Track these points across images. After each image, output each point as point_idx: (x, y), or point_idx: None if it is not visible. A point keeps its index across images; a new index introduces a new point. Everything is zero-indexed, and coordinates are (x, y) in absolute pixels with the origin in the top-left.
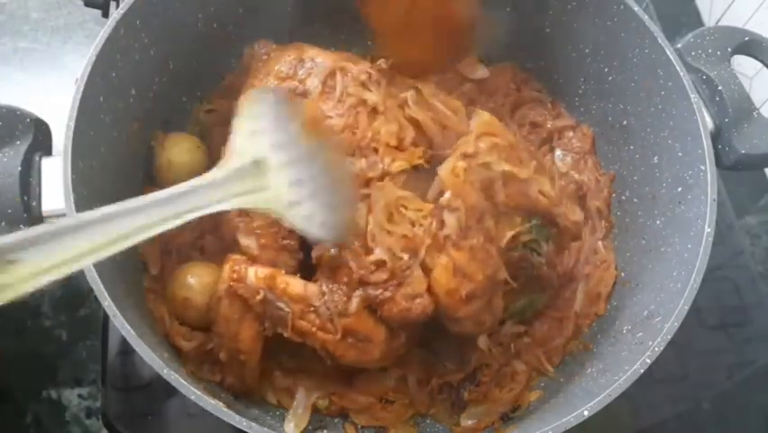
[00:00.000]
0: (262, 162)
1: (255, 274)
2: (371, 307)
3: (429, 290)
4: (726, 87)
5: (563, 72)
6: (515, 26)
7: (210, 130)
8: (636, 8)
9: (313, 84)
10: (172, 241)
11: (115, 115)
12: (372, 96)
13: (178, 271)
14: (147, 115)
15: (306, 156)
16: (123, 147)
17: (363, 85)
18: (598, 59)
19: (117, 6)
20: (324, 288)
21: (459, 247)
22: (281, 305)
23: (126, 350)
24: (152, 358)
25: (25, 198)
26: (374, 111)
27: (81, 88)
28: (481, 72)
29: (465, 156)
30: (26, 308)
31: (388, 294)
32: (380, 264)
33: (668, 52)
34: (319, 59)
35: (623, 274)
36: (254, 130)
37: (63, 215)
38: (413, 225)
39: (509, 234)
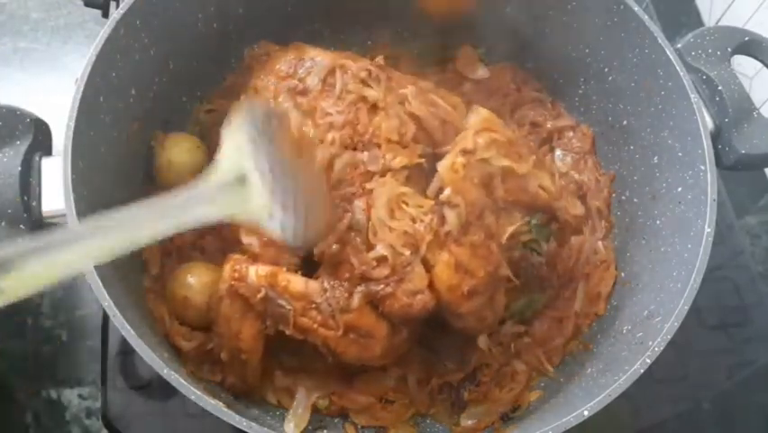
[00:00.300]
0: (246, 177)
1: (256, 273)
2: (373, 303)
3: (430, 286)
4: (726, 87)
5: (563, 72)
6: (515, 26)
7: (210, 130)
8: (636, 8)
9: (313, 82)
10: (172, 241)
11: (115, 115)
12: (372, 93)
13: (178, 270)
14: (147, 115)
15: (288, 172)
16: (123, 147)
17: (363, 82)
18: (598, 59)
19: (117, 6)
20: (326, 284)
21: (460, 243)
22: (283, 303)
23: (126, 350)
24: (152, 358)
25: (25, 198)
26: (374, 107)
27: (81, 88)
28: (481, 72)
29: (464, 152)
30: (26, 308)
31: (389, 290)
32: (382, 260)
33: (668, 52)
34: (319, 58)
35: (623, 274)
36: (240, 145)
37: (63, 215)
38: (414, 221)
39: (510, 229)
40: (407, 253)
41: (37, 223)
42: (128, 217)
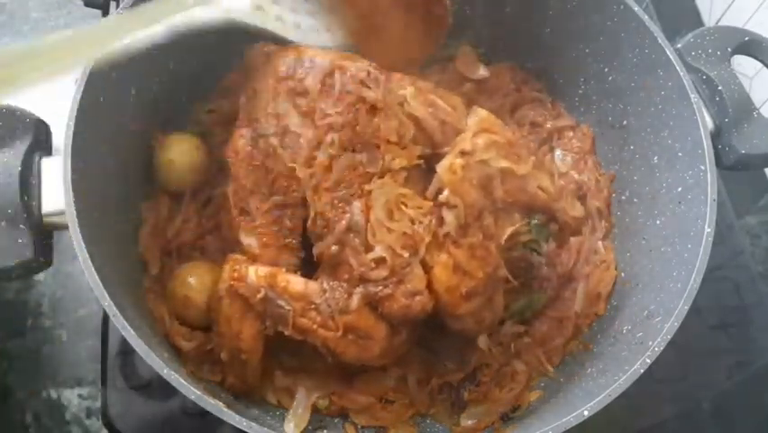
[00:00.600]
0: None
1: (255, 273)
2: (372, 304)
3: (429, 287)
4: (726, 87)
5: (563, 72)
6: (515, 26)
7: (210, 130)
8: (636, 8)
9: (312, 83)
10: (172, 241)
11: (115, 115)
12: (371, 94)
13: (178, 270)
14: (147, 115)
15: None
16: (123, 147)
17: (362, 82)
18: (598, 59)
19: (117, 6)
20: (325, 285)
21: (458, 245)
22: (282, 303)
23: (126, 350)
24: (152, 358)
25: (25, 197)
26: (374, 108)
27: (81, 88)
28: (481, 72)
29: (463, 153)
30: (26, 308)
31: (388, 291)
32: (380, 262)
33: (668, 52)
34: (318, 59)
35: (623, 274)
36: None
37: (63, 214)
38: (413, 222)
39: (509, 230)
40: (406, 254)
41: (37, 223)
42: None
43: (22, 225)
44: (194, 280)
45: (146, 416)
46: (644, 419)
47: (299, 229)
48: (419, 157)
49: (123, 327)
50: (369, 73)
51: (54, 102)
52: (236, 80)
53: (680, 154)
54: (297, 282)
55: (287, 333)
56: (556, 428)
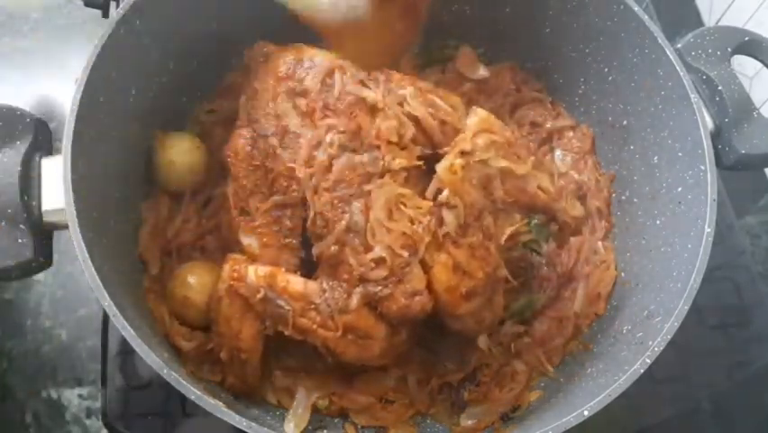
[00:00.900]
0: None
1: (255, 273)
2: (372, 304)
3: (429, 287)
4: (726, 87)
5: (563, 72)
6: (515, 26)
7: (210, 130)
8: (636, 8)
9: (312, 83)
10: (172, 241)
11: (115, 115)
12: (371, 94)
13: (178, 270)
14: (147, 115)
15: None
16: (123, 147)
17: (362, 83)
18: (598, 59)
19: (117, 6)
20: (325, 285)
21: (458, 245)
22: (282, 303)
23: (126, 350)
24: (152, 358)
25: (25, 197)
26: (373, 108)
27: (81, 88)
28: (481, 72)
29: (463, 153)
30: (26, 308)
31: (387, 291)
32: (380, 262)
33: (668, 52)
34: (318, 59)
35: (623, 274)
36: None
37: (63, 215)
38: (412, 222)
39: (509, 230)
40: (406, 254)
41: (37, 223)
42: None
43: (22, 225)
44: (194, 280)
45: (146, 416)
46: (644, 419)
47: (299, 229)
48: (419, 157)
49: (123, 327)
50: (368, 73)
51: (54, 102)
52: (236, 80)
53: (680, 154)
54: (296, 282)
55: (286, 333)
56: (556, 428)
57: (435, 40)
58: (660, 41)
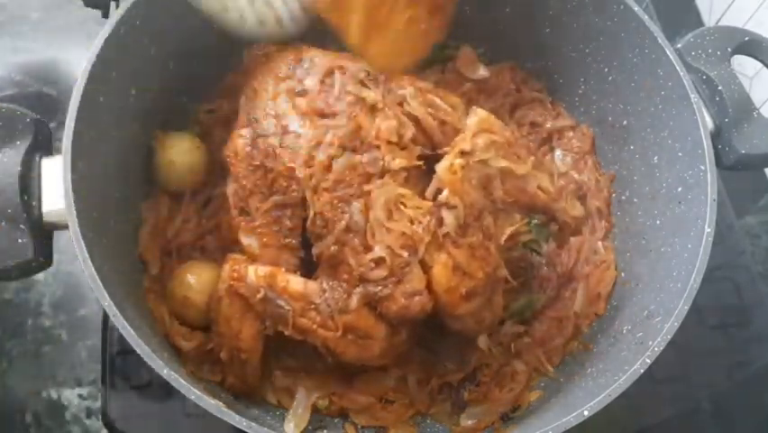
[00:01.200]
0: None
1: (255, 273)
2: (371, 304)
3: (429, 287)
4: (726, 87)
5: (563, 72)
6: (515, 26)
7: (210, 130)
8: (636, 8)
9: (311, 83)
10: (172, 241)
11: (115, 115)
12: (371, 94)
13: (178, 269)
14: (147, 115)
15: None
16: (123, 147)
17: (361, 83)
18: (598, 59)
19: (117, 6)
20: (325, 285)
21: (458, 245)
22: (282, 303)
23: (126, 350)
24: (152, 358)
25: (25, 197)
26: (373, 108)
27: (81, 88)
28: (481, 72)
29: (462, 153)
30: (26, 308)
31: (387, 291)
32: (380, 262)
33: (668, 52)
34: (317, 59)
35: (623, 274)
36: None
37: (63, 215)
38: (412, 222)
39: (508, 230)
40: (405, 254)
41: (37, 223)
42: None
43: (22, 225)
44: (193, 280)
45: (146, 416)
46: (644, 419)
47: (299, 229)
48: (419, 157)
49: (123, 327)
50: (368, 73)
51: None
52: (236, 80)
53: (680, 154)
54: (296, 282)
55: (286, 333)
56: (556, 428)
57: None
58: (660, 41)
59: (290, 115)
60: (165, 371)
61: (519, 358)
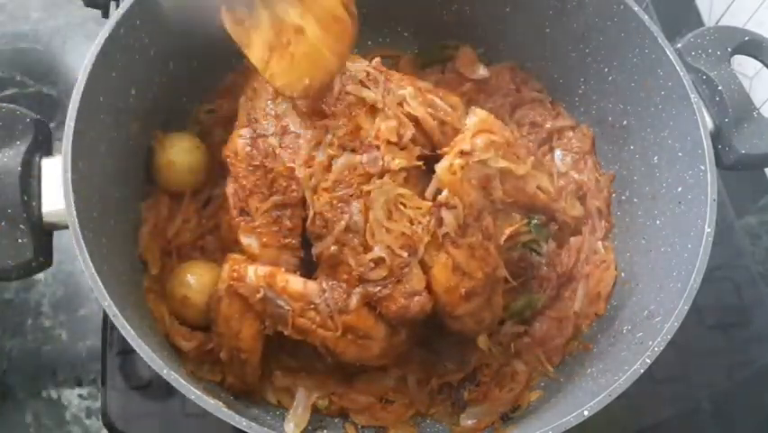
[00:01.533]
0: None
1: (255, 273)
2: (371, 304)
3: (428, 287)
4: (726, 87)
5: (563, 72)
6: (515, 26)
7: (210, 130)
8: (636, 8)
9: None
10: (172, 241)
11: (115, 115)
12: (371, 94)
13: (178, 269)
14: (147, 115)
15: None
16: (123, 147)
17: (361, 83)
18: (598, 59)
19: (117, 6)
20: (324, 285)
21: (457, 245)
22: (281, 303)
23: (126, 350)
24: (152, 358)
25: (25, 197)
26: (373, 108)
27: (81, 88)
28: (481, 72)
29: (462, 154)
30: (26, 308)
31: (386, 291)
32: (379, 262)
33: (668, 52)
34: None
35: (623, 274)
36: None
37: (63, 215)
38: (411, 222)
39: (508, 230)
40: (405, 254)
41: (37, 223)
42: None
43: (22, 225)
44: (193, 280)
45: (146, 416)
46: (644, 419)
47: (299, 229)
48: (418, 157)
49: (122, 327)
50: (368, 73)
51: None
52: (236, 80)
53: (680, 154)
54: (296, 282)
55: (286, 333)
56: (556, 428)
57: (435, 40)
58: (660, 41)
59: (290, 115)
60: (165, 371)
61: (519, 358)
